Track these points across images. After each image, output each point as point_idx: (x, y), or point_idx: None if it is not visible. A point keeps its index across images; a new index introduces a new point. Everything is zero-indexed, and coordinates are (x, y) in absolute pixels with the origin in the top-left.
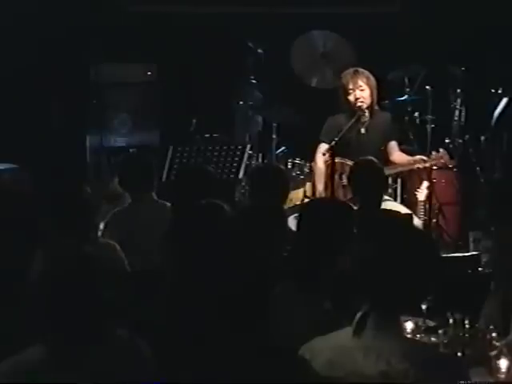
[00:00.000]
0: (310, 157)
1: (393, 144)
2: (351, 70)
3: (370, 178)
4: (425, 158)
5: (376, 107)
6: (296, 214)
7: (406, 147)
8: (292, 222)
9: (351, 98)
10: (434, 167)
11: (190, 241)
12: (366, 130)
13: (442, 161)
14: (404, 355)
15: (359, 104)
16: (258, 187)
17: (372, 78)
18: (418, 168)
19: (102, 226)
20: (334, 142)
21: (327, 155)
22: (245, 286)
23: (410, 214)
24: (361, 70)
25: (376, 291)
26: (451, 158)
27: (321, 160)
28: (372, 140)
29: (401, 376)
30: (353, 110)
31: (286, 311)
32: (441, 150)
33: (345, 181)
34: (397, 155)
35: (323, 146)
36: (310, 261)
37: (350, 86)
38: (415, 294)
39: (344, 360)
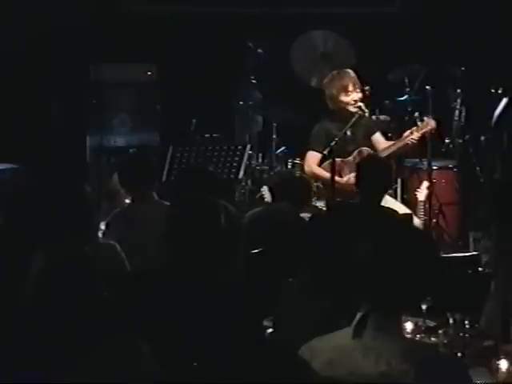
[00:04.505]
0: None
1: (377, 135)
2: (343, 71)
3: (375, 174)
4: (412, 130)
5: None
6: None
7: None
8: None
9: (349, 99)
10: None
11: (189, 240)
12: (353, 131)
13: (429, 127)
14: (404, 356)
15: (360, 104)
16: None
17: None
18: (412, 141)
19: (103, 226)
20: (334, 142)
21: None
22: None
23: (410, 214)
24: (350, 70)
25: (376, 291)
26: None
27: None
28: (360, 138)
29: (401, 376)
30: (347, 111)
31: (286, 311)
32: (425, 118)
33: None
34: (384, 144)
35: (312, 155)
36: (314, 261)
37: (351, 88)
38: (415, 294)
39: (344, 360)
